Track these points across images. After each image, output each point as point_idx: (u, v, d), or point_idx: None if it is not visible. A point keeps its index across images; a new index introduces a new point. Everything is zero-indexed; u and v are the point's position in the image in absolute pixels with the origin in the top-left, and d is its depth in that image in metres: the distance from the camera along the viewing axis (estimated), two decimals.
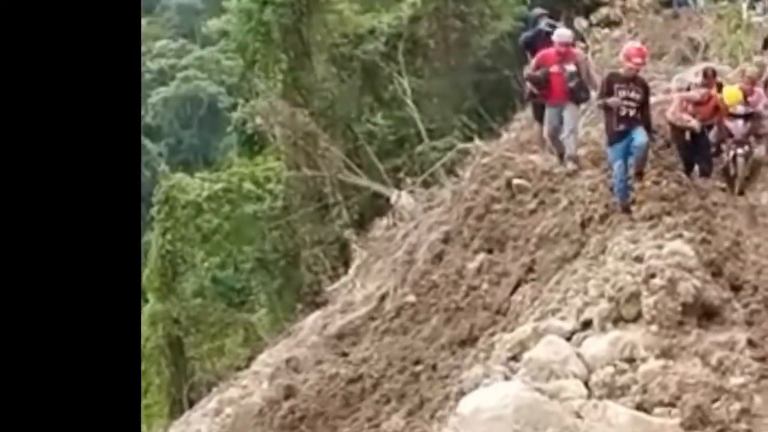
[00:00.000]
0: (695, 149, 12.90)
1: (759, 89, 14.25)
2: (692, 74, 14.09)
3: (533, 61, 14.32)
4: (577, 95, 13.70)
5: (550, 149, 14.01)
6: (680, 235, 10.07)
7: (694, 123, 12.77)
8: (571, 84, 13.52)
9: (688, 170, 12.61)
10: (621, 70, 12.65)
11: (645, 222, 10.79)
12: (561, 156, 13.53)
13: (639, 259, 9.46)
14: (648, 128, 12.35)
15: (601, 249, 10.62)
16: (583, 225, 11.74)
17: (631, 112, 12.22)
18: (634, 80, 12.39)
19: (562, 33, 14.20)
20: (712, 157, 13.23)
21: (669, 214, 10.80)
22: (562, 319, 9.44)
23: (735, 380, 7.64)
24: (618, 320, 8.82)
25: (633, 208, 11.26)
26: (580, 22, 20.88)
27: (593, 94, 13.59)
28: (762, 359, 8.00)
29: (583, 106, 14.46)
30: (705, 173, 12.76)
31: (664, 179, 11.75)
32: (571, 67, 13.68)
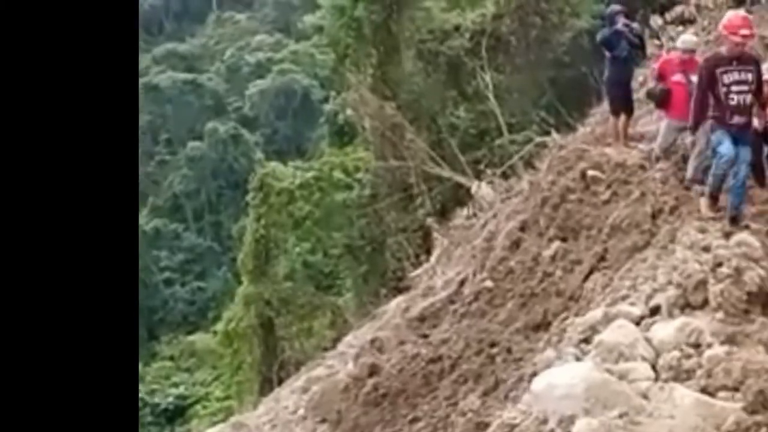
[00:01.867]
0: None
1: None
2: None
3: (653, 72, 13.39)
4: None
5: (656, 158, 12.83)
6: (747, 227, 9.97)
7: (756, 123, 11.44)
8: None
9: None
10: (722, 49, 10.37)
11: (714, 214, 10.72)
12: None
13: (707, 249, 9.39)
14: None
15: (671, 239, 10.55)
16: (654, 216, 11.66)
17: (746, 99, 10.11)
18: (741, 58, 10.09)
19: (686, 39, 13.10)
20: None
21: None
22: (632, 305, 9.40)
23: None
24: (685, 307, 8.75)
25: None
26: (656, 20, 20.67)
27: None
28: None
29: None
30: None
31: None
32: (695, 77, 11.67)
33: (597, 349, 8.59)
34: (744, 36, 10.02)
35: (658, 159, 13.04)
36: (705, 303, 8.68)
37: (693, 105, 10.55)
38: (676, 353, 8.13)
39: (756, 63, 10.38)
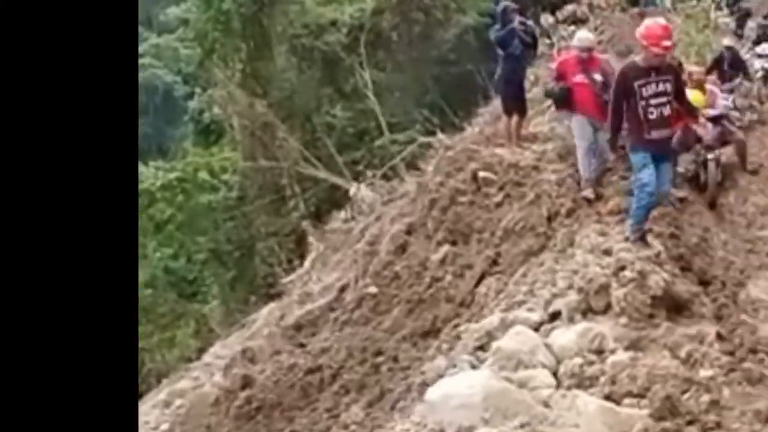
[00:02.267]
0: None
1: (711, 88, 14.26)
2: None
3: (551, 72, 13.46)
4: None
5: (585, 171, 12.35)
6: (649, 230, 10.21)
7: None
8: (605, 97, 11.63)
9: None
10: (639, 59, 10.17)
11: (613, 216, 10.94)
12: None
13: (608, 252, 9.57)
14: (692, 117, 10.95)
15: (569, 242, 10.73)
16: (550, 219, 11.86)
17: (665, 111, 9.92)
18: (660, 69, 9.90)
19: (583, 37, 13.04)
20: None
21: None
22: (530, 310, 9.50)
23: (704, 372, 7.72)
24: (587, 312, 8.89)
25: (594, 199, 11.45)
26: (547, 19, 21.13)
27: None
28: (730, 353, 8.10)
29: None
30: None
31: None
32: (598, 76, 12.27)
33: (494, 356, 8.63)
34: (665, 47, 9.90)
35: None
36: (608, 308, 8.82)
37: (610, 117, 10.37)
38: (579, 360, 8.23)
39: (675, 72, 10.38)
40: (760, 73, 17.32)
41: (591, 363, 8.16)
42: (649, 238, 9.80)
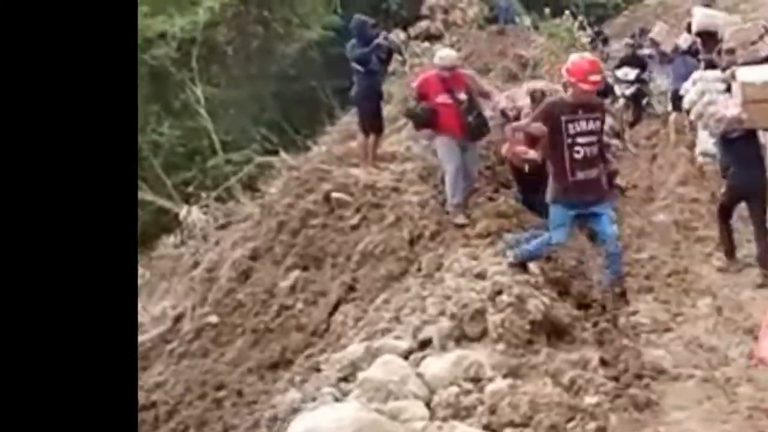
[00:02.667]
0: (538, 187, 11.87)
1: None
2: (523, 93, 14.28)
3: (412, 91, 13.17)
4: (477, 131, 12.44)
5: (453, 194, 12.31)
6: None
7: (533, 153, 11.98)
8: (470, 118, 12.14)
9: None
10: (566, 95, 10.10)
11: (482, 239, 11.04)
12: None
13: (481, 276, 9.60)
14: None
15: (436, 266, 10.75)
16: (412, 242, 11.88)
17: (592, 151, 9.76)
18: (588, 105, 9.80)
19: (445, 55, 12.88)
20: None
21: (509, 231, 11.10)
22: (398, 338, 9.42)
23: (589, 399, 7.78)
24: (461, 339, 8.85)
25: (468, 224, 11.53)
26: (398, 35, 21.28)
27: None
28: (615, 378, 8.20)
29: None
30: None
31: (501, 195, 12.05)
32: (462, 96, 12.26)
33: (361, 387, 8.50)
34: (593, 82, 9.78)
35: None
36: (484, 334, 8.82)
37: (550, 158, 10.13)
38: (454, 389, 8.18)
39: (602, 110, 10.25)
40: (621, 100, 17.84)
41: (467, 392, 8.10)
42: None
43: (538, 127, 10.11)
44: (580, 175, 9.71)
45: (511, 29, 21.32)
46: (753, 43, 19.62)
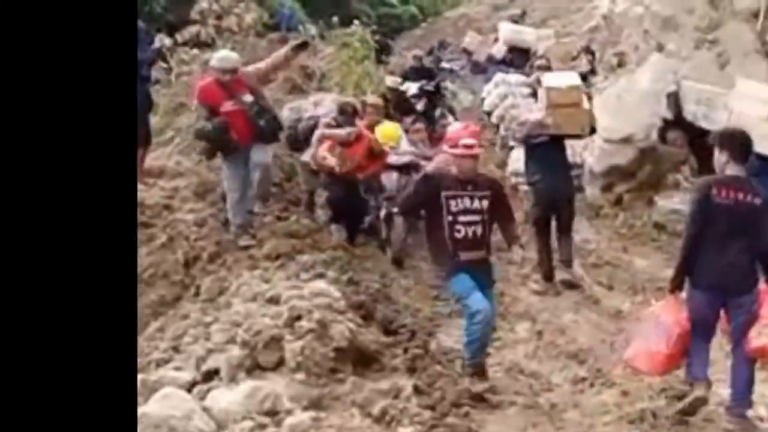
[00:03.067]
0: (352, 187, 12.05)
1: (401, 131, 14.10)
2: (311, 105, 14.02)
3: (196, 105, 12.29)
4: (270, 135, 11.87)
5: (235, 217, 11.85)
6: (321, 275, 9.99)
7: (332, 161, 11.91)
8: (262, 122, 11.57)
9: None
10: (451, 167, 9.54)
11: (271, 261, 10.64)
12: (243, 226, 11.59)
13: (275, 301, 9.20)
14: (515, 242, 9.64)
15: (219, 290, 10.29)
16: (187, 264, 11.37)
17: (475, 231, 9.12)
18: (475, 183, 9.27)
19: (224, 57, 12.13)
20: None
21: (301, 252, 10.74)
22: (178, 369, 8.93)
23: (403, 430, 7.51)
24: (253, 369, 8.44)
25: (254, 245, 11.13)
26: (163, 40, 20.54)
27: None
28: (431, 407, 7.96)
29: None
30: (350, 235, 12.23)
31: (292, 215, 11.70)
32: (249, 98, 11.64)
33: (141, 423, 8.02)
34: (467, 146, 9.22)
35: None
36: (280, 363, 8.45)
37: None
38: (247, 423, 7.78)
39: (494, 187, 9.53)
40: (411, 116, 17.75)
41: (263, 426, 7.72)
42: (324, 283, 9.54)
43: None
44: (463, 257, 9.05)
45: (294, 36, 20.90)
46: (573, 58, 20.39)
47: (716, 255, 7.84)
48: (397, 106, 17.40)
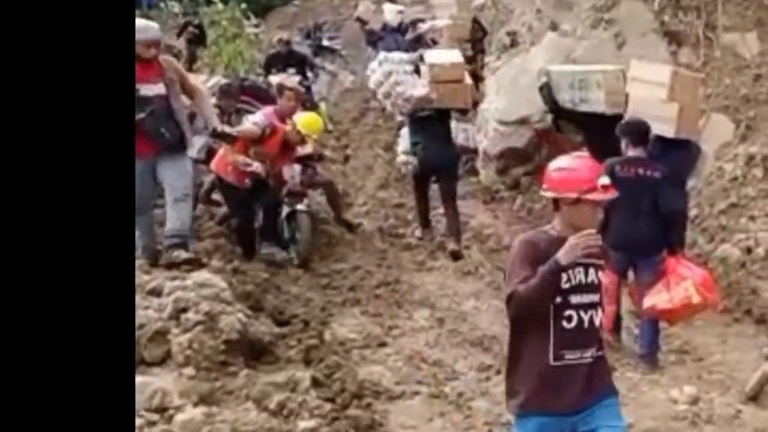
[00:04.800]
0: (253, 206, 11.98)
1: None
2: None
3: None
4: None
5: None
6: (204, 265, 10.06)
7: (257, 166, 11.62)
8: (163, 129, 10.02)
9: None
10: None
11: None
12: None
13: (156, 293, 9.24)
14: None
15: None
16: None
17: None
18: None
19: (146, 26, 10.09)
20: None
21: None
22: None
23: (304, 424, 7.58)
24: (139, 364, 8.53)
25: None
26: None
27: None
28: (331, 400, 8.09)
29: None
30: (266, 239, 12.23)
31: None
32: (160, 88, 10.00)
33: None
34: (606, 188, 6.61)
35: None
36: (166, 358, 8.52)
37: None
38: (138, 421, 7.88)
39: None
40: None
41: (153, 424, 7.80)
42: (209, 273, 9.60)
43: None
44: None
45: (156, 15, 20.67)
46: (468, 41, 20.93)
47: (623, 221, 9.67)
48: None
